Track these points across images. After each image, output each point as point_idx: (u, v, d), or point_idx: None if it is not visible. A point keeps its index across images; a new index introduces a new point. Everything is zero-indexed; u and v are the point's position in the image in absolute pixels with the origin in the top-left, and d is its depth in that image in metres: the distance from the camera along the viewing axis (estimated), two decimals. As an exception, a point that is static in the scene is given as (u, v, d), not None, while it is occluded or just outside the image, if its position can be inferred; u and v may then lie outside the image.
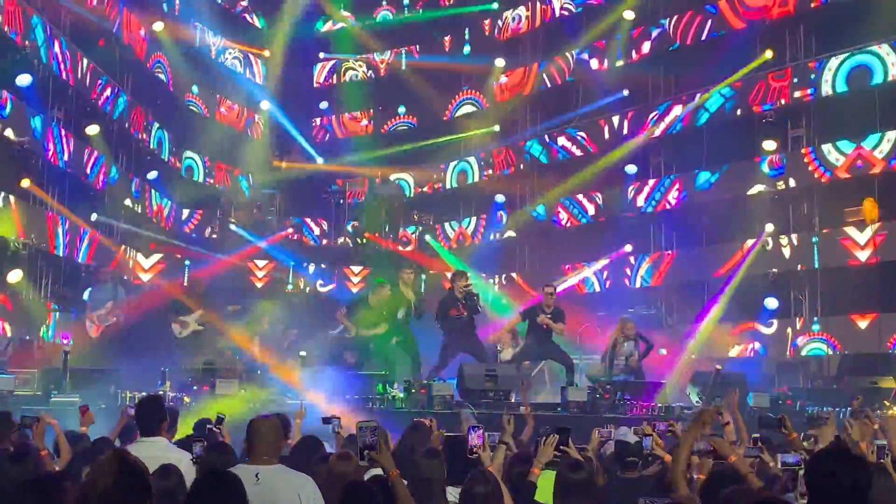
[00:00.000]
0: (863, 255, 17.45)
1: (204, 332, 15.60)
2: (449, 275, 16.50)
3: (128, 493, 3.43)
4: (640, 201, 21.22)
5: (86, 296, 17.03)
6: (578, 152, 22.59)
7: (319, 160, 25.49)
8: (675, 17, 20.81)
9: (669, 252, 20.68)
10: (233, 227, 21.71)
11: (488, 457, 6.44)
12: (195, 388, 12.62)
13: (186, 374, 13.18)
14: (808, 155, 18.49)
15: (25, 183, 16.38)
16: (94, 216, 19.04)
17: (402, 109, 26.45)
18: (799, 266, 18.54)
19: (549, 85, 23.51)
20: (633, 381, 14.55)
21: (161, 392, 11.74)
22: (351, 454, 6.18)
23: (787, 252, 18.63)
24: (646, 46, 21.55)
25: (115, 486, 3.41)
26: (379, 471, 5.48)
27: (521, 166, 23.91)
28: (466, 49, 25.60)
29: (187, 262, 20.80)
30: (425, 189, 25.79)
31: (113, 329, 16.16)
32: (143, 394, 12.03)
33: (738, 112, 19.68)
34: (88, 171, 18.94)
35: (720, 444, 6.16)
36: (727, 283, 18.82)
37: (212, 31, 24.29)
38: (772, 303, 18.47)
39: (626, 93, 21.66)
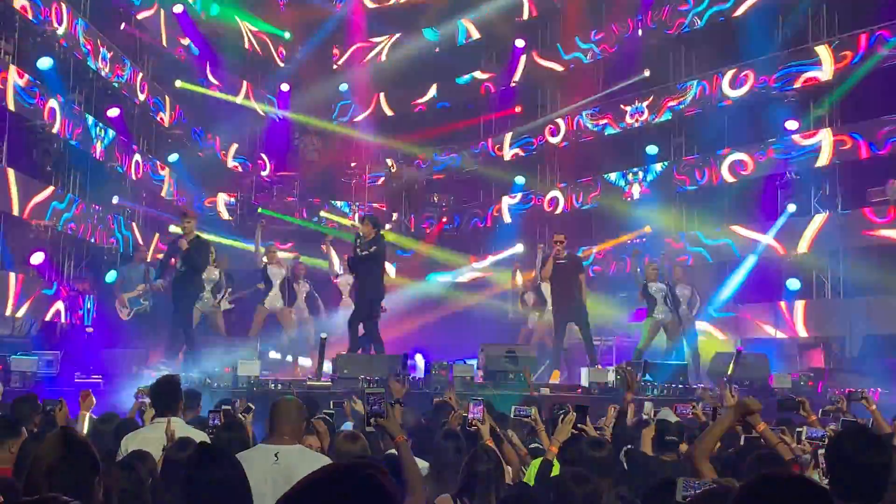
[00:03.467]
0: (885, 235, 17.28)
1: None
2: None
3: (74, 470, 3.45)
4: (660, 183, 21.12)
5: (111, 277, 17.10)
6: (599, 131, 22.52)
7: (338, 143, 25.52)
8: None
9: (691, 233, 20.59)
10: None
11: (487, 430, 6.44)
12: (217, 369, 12.67)
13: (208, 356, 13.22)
14: (831, 136, 18.28)
15: (47, 166, 16.51)
16: (115, 199, 19.16)
17: (421, 92, 26.35)
18: (821, 246, 18.38)
19: (569, 66, 23.40)
20: (655, 363, 14.51)
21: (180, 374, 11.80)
22: (359, 434, 6.19)
23: (809, 232, 18.47)
24: (665, 27, 21.40)
25: (60, 462, 3.44)
26: (395, 451, 5.48)
27: (543, 147, 23.83)
28: (486, 31, 25.48)
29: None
30: (445, 172, 25.75)
31: (141, 313, 16.25)
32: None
33: (761, 91, 19.48)
34: (110, 154, 19.01)
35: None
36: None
37: (231, 14, 24.31)
38: (794, 283, 18.36)
39: (647, 73, 21.53)
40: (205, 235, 14.46)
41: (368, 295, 14.14)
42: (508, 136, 24.39)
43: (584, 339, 15.08)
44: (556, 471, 6.22)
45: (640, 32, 21.73)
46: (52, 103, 16.53)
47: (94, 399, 8.17)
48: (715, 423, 5.38)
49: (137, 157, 20.21)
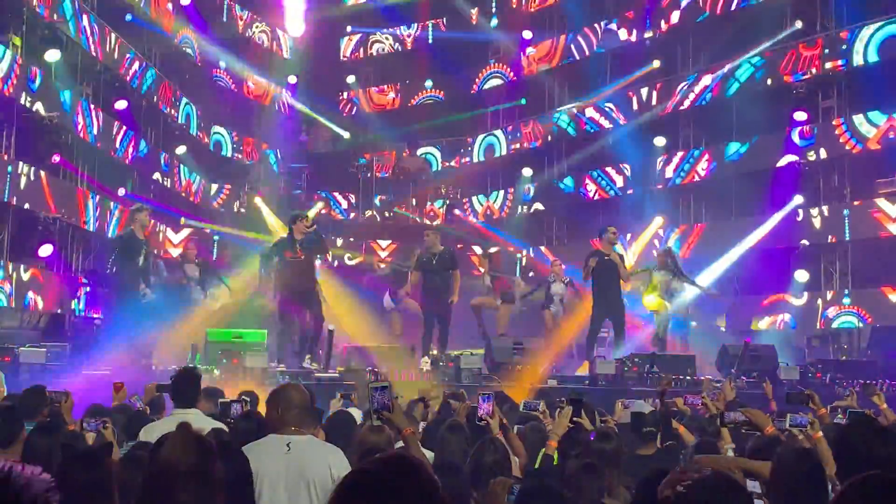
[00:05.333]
0: (894, 228, 17.21)
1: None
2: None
3: (205, 473, 3.45)
4: (669, 173, 21.08)
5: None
6: (607, 124, 22.48)
7: (346, 134, 25.53)
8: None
9: (698, 224, 20.55)
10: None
11: (496, 424, 6.41)
12: (224, 361, 12.66)
13: (216, 348, 13.22)
14: (840, 126, 18.24)
15: (55, 158, 16.52)
16: (121, 191, 19.16)
17: (429, 83, 26.35)
18: (829, 238, 18.33)
19: (577, 57, 23.35)
20: (663, 354, 14.48)
21: (193, 365, 11.81)
22: (383, 427, 6.11)
23: (817, 224, 18.43)
24: (675, 17, 21.32)
25: (195, 467, 3.43)
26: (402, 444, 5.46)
27: (549, 138, 23.79)
28: (494, 22, 25.44)
29: (216, 238, 20.94)
30: (452, 163, 25.73)
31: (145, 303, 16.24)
32: (174, 367, 12.15)
33: (769, 82, 19.44)
34: (117, 146, 19.03)
35: (756, 414, 6.09)
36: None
37: (239, 6, 24.30)
38: (801, 275, 18.29)
39: (656, 64, 21.49)
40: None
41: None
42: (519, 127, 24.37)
43: (615, 334, 15.00)
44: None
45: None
46: (60, 95, 16.54)
47: (126, 391, 8.19)
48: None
49: (145, 148, 20.20)
